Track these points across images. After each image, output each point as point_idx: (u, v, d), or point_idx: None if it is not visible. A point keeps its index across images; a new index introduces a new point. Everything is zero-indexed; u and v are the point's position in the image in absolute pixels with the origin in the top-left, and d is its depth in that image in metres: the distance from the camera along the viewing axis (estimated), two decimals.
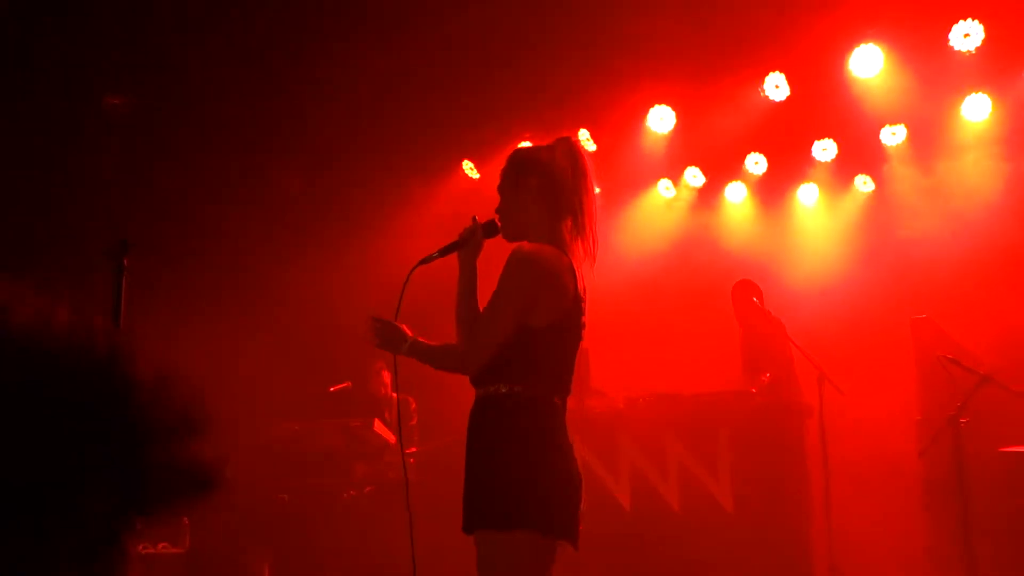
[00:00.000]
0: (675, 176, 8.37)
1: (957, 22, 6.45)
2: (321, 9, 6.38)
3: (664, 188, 8.47)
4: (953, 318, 6.57)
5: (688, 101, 7.50)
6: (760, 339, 6.58)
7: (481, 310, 2.94)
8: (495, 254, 3.07)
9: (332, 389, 7.22)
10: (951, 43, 6.51)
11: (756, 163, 8.04)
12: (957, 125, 7.23)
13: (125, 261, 2.53)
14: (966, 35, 6.45)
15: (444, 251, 3.04)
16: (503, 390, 2.78)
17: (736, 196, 8.43)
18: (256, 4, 6.19)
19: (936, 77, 6.81)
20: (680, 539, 6.15)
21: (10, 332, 0.82)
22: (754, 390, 6.39)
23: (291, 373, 7.36)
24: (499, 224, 3.03)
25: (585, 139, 7.99)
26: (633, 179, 8.33)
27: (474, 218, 3.08)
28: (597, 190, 3.07)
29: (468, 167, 8.32)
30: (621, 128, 7.82)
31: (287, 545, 6.44)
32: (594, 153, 8.11)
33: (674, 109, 7.66)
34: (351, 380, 7.32)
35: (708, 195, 8.46)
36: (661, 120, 7.73)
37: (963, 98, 7.08)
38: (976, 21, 6.42)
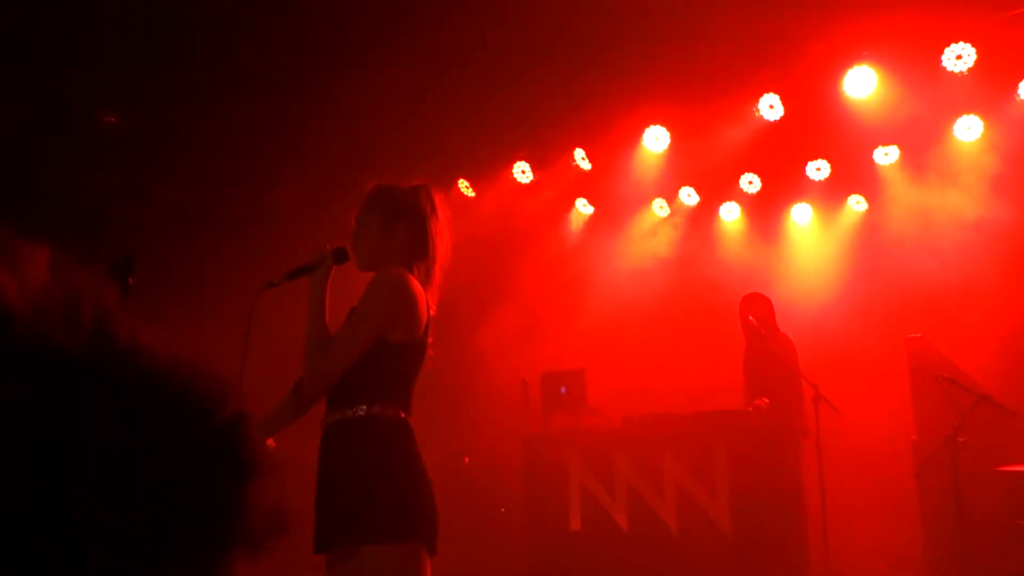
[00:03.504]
0: (670, 195, 8.40)
1: (949, 44, 6.51)
2: (318, 29, 6.40)
3: (658, 207, 8.50)
4: (947, 337, 6.59)
5: (683, 121, 7.54)
6: (762, 356, 6.55)
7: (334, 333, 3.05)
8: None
9: None
10: (944, 65, 6.57)
11: (750, 182, 8.08)
12: (950, 146, 7.28)
13: (130, 279, 2.51)
14: (958, 57, 6.51)
15: (292, 275, 3.09)
16: (361, 413, 2.91)
17: (730, 215, 8.46)
18: (254, 21, 6.20)
19: (929, 98, 6.86)
20: (677, 559, 6.13)
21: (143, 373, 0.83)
22: (751, 410, 6.38)
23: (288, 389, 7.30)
24: (350, 253, 3.13)
25: (581, 158, 8.03)
26: (628, 198, 8.36)
27: (326, 245, 3.16)
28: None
29: (463, 186, 8.33)
30: (616, 148, 7.85)
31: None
32: (589, 172, 8.15)
33: (669, 129, 7.70)
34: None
35: (702, 214, 8.49)
36: (656, 140, 7.77)
37: (955, 119, 7.14)
38: (968, 44, 6.48)
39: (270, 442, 2.96)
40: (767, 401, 6.35)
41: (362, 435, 2.92)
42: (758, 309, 6.58)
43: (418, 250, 3.10)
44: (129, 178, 6.92)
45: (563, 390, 6.95)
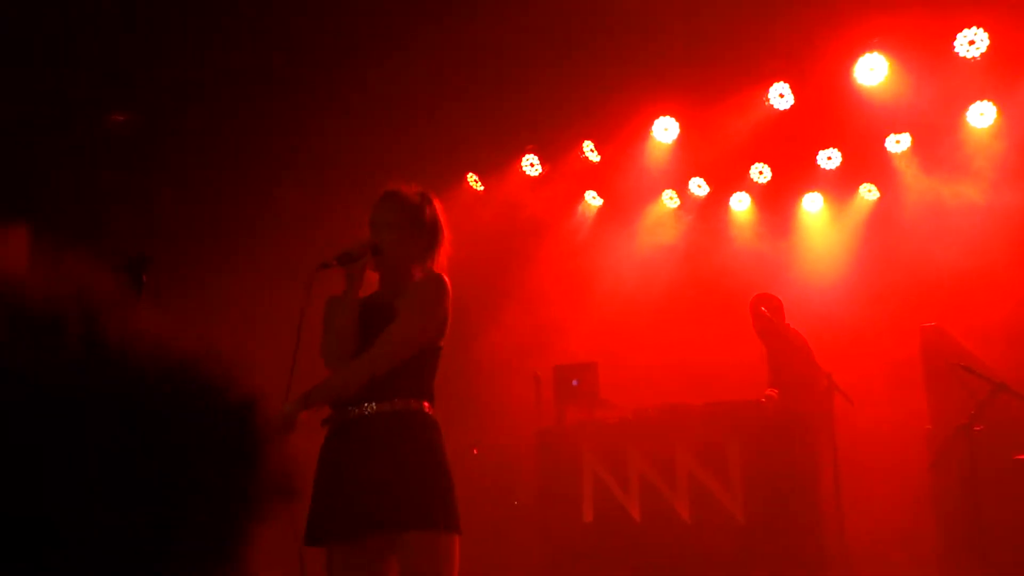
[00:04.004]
0: (680, 187, 8.36)
1: (962, 29, 6.45)
2: (325, 24, 6.38)
3: (668, 199, 8.47)
4: (961, 326, 6.55)
5: (692, 111, 7.49)
6: (773, 356, 6.59)
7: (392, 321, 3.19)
8: None
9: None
10: (956, 50, 6.51)
11: (760, 172, 8.04)
12: (962, 132, 7.23)
13: (144, 277, 2.51)
14: (971, 42, 6.45)
15: (341, 260, 3.20)
16: (401, 406, 3.09)
17: (741, 206, 8.43)
18: (259, 20, 6.19)
19: (941, 85, 6.80)
20: (690, 550, 6.12)
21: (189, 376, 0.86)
22: (763, 400, 6.39)
23: (296, 389, 7.30)
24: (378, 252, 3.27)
25: (590, 150, 8.00)
26: (637, 190, 8.32)
27: (364, 238, 3.31)
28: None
29: (472, 179, 8.30)
30: (625, 139, 7.81)
31: None
32: (598, 164, 8.12)
33: (678, 120, 7.66)
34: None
35: (713, 205, 8.45)
36: (665, 131, 7.73)
37: (968, 106, 7.08)
38: (981, 29, 6.41)
39: (303, 415, 3.04)
40: (776, 392, 6.37)
41: (407, 427, 3.07)
42: (769, 305, 6.61)
43: (434, 255, 3.33)
44: (135, 178, 6.91)
45: (575, 383, 6.94)
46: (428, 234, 3.30)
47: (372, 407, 3.08)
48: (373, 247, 3.22)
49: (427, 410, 3.14)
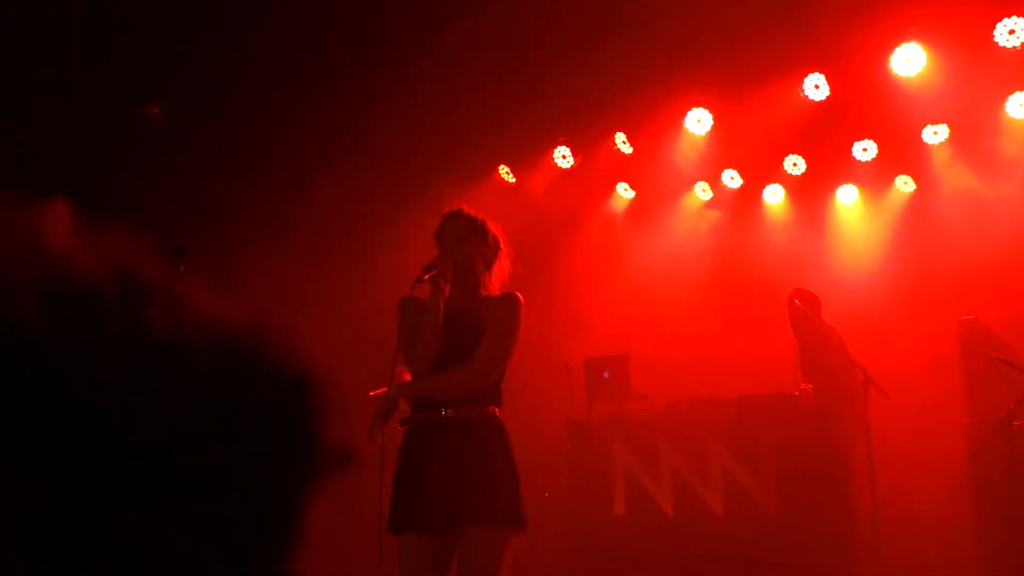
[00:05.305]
0: (712, 179, 8.31)
1: (1002, 19, 6.34)
2: (360, 17, 6.40)
3: (701, 191, 8.42)
4: (999, 319, 6.46)
5: (726, 103, 7.44)
6: (807, 350, 6.55)
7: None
8: None
9: (371, 394, 7.21)
10: (996, 40, 6.41)
11: (795, 164, 7.96)
12: (1001, 123, 7.12)
13: (182, 268, 2.53)
14: (1011, 31, 6.34)
15: (434, 277, 3.49)
16: (483, 411, 3.47)
17: (774, 198, 8.36)
18: (297, 13, 6.21)
19: (980, 75, 6.70)
20: (723, 544, 6.10)
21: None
22: (797, 393, 6.35)
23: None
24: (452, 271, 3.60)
25: (622, 141, 7.96)
26: (670, 182, 8.28)
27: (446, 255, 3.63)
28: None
29: (504, 171, 8.30)
30: (658, 131, 7.77)
31: None
32: (630, 156, 8.08)
33: (711, 111, 7.60)
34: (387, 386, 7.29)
35: (746, 197, 8.39)
36: (698, 122, 7.67)
37: (1008, 96, 6.97)
38: (1021, 18, 6.31)
39: (404, 405, 3.45)
40: (811, 386, 6.32)
41: (480, 431, 3.44)
42: (804, 300, 6.57)
43: (495, 265, 3.75)
44: (171, 172, 6.97)
45: (607, 375, 6.92)
46: (491, 246, 3.72)
47: (449, 412, 3.43)
48: (455, 262, 3.55)
49: (497, 415, 3.51)
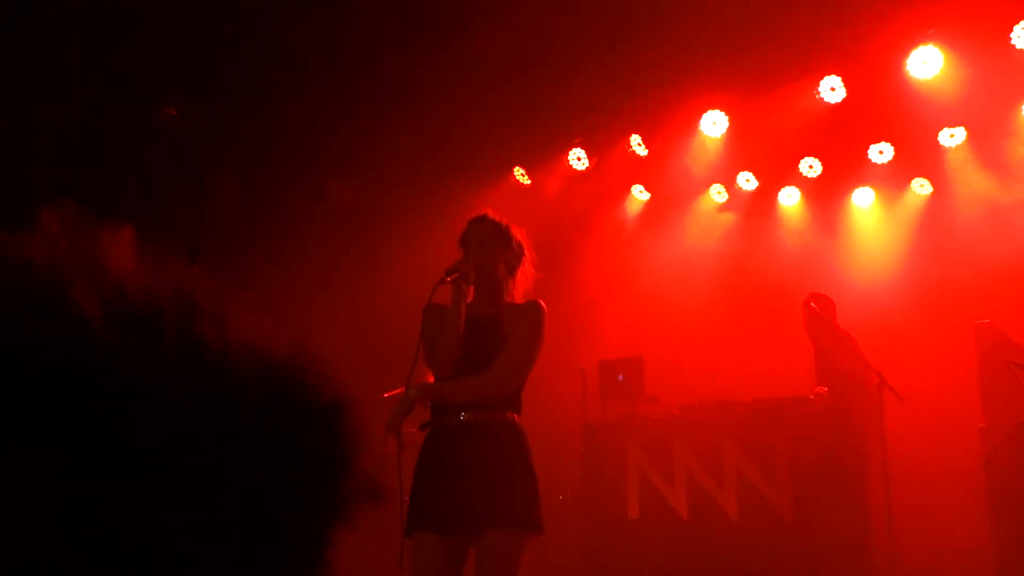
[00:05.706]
0: (728, 181, 8.29)
1: (1020, 21, 6.31)
2: (372, 16, 6.42)
3: (716, 193, 8.40)
4: (1016, 323, 6.42)
5: (741, 105, 7.42)
6: (822, 353, 6.53)
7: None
8: None
9: (385, 395, 7.23)
10: (1013, 42, 6.37)
11: (810, 167, 7.94)
12: (1019, 126, 7.08)
13: (196, 270, 2.55)
14: None
15: (456, 280, 3.50)
16: (503, 416, 3.47)
17: (790, 200, 8.34)
18: (314, 13, 6.24)
19: (997, 78, 6.66)
20: (738, 547, 6.08)
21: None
22: (811, 396, 6.33)
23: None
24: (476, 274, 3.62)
25: (637, 144, 7.96)
26: (685, 184, 8.27)
27: (467, 260, 3.65)
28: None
29: (519, 173, 8.31)
30: (673, 133, 7.76)
31: None
32: (645, 158, 8.07)
33: (727, 113, 7.59)
34: (404, 387, 7.31)
35: (761, 200, 8.37)
36: (714, 124, 7.66)
37: None
38: None
39: (420, 409, 3.44)
40: (826, 390, 6.30)
41: (499, 436, 3.45)
42: (820, 304, 6.55)
43: (519, 270, 3.73)
44: (187, 172, 7.01)
45: (621, 378, 6.92)
46: (516, 252, 3.70)
47: (469, 416, 3.44)
48: (478, 265, 3.56)
49: (516, 420, 3.51)
